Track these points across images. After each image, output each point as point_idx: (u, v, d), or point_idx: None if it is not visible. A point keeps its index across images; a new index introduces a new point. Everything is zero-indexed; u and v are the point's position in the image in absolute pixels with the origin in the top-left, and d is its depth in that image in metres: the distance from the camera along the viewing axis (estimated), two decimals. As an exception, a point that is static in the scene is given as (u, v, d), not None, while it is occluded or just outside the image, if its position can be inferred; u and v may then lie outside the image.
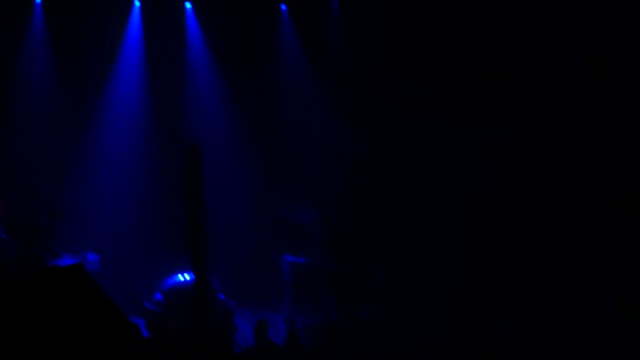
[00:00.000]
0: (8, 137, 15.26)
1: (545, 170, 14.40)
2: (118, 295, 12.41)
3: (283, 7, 16.39)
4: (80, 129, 15.81)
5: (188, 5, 16.25)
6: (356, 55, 15.87)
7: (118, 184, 15.67)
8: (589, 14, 14.70)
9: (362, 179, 15.34)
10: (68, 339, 2.04)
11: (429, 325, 12.68)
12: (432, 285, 13.76)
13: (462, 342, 12.02)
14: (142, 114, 16.06)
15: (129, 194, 15.62)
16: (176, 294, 12.83)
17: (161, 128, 15.87)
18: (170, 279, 13.32)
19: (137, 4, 16.14)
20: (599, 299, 13.20)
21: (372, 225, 14.85)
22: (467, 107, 14.92)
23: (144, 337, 11.66)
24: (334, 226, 14.65)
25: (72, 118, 15.73)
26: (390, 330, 12.88)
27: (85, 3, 15.60)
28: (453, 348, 11.92)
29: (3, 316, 2.09)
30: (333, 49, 16.39)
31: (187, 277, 12.50)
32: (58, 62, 15.73)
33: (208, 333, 11.73)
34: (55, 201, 14.84)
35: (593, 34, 14.76)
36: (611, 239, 13.92)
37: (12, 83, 15.53)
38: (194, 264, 8.06)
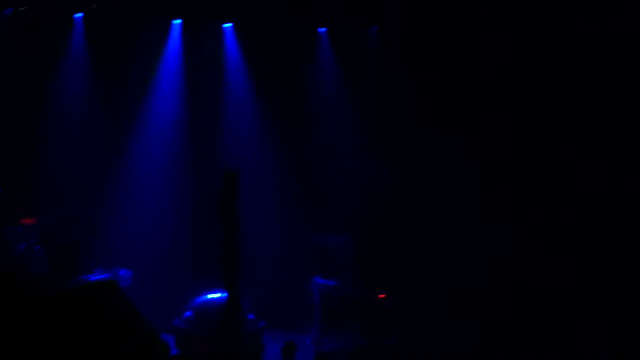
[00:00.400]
0: (44, 152, 15.32)
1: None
2: (149, 311, 12.52)
3: (321, 30, 16.29)
4: (116, 146, 15.78)
5: (227, 25, 16.06)
6: (392, 84, 15.89)
7: (151, 201, 15.67)
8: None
9: (392, 206, 15.55)
10: (98, 355, 2.04)
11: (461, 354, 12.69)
12: (464, 311, 13.84)
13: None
14: (178, 133, 16.05)
15: (162, 211, 15.62)
16: (206, 312, 12.81)
17: (197, 147, 15.90)
18: (200, 297, 13.23)
19: (177, 22, 15.97)
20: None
21: (401, 250, 15.02)
22: (501, 141, 15.00)
23: (174, 355, 11.72)
24: (363, 251, 14.66)
25: (109, 134, 15.73)
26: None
27: (125, 20, 15.53)
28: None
29: (36, 331, 2.09)
30: (370, 76, 16.37)
31: (218, 295, 12.50)
32: (96, 78, 15.71)
33: (236, 352, 11.77)
34: (88, 216, 14.86)
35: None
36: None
37: (50, 98, 15.52)
38: (227, 284, 8.08)
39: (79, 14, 15.71)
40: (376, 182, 15.61)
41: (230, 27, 16.24)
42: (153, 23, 15.95)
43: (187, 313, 13.37)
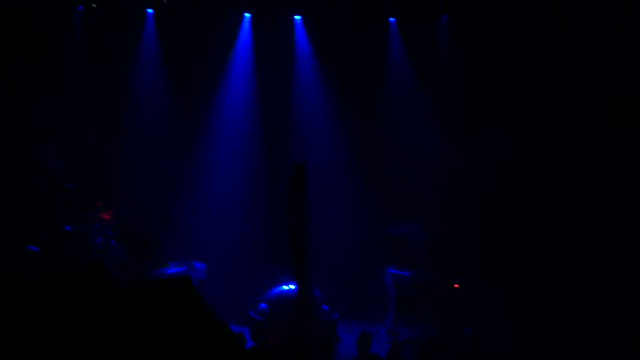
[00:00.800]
0: (120, 147, 15.57)
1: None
2: (224, 303, 12.64)
3: (392, 20, 16.20)
4: (190, 139, 16.05)
5: (298, 17, 16.22)
6: (464, 71, 15.69)
7: (225, 193, 15.92)
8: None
9: (465, 194, 15.41)
10: (171, 348, 2.09)
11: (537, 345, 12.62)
12: (540, 301, 13.65)
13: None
14: (250, 125, 16.25)
15: (236, 203, 15.82)
16: (281, 304, 12.85)
17: (269, 139, 16.04)
18: (275, 289, 13.32)
19: (248, 15, 16.18)
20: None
21: (475, 239, 14.88)
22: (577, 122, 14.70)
23: (249, 347, 11.80)
24: (437, 240, 14.63)
25: (183, 128, 16.02)
26: (495, 350, 12.80)
27: (196, 14, 15.75)
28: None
29: (110, 324, 2.15)
30: (441, 63, 16.21)
31: (292, 287, 12.55)
32: (170, 73, 15.99)
33: (310, 343, 11.82)
34: (164, 209, 14.99)
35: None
36: None
37: (124, 94, 15.81)
38: (297, 275, 8.14)
39: (150, 10, 16.04)
40: (449, 170, 15.63)
41: (300, 19, 16.31)
42: (225, 15, 16.14)
43: (262, 305, 13.44)
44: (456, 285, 14.10)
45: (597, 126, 14.65)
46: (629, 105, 14.54)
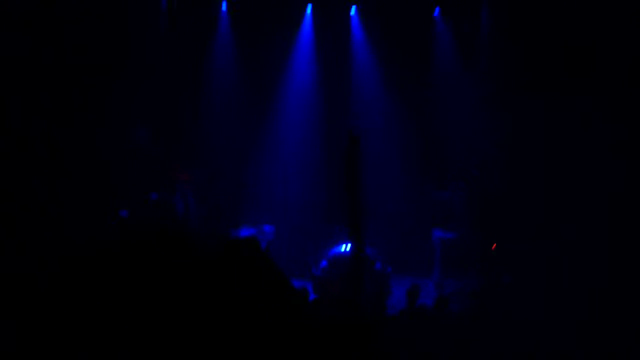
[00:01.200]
0: (200, 126, 15.87)
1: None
2: (290, 261, 13.00)
3: (437, 9, 16.24)
4: (260, 113, 16.21)
5: (353, 10, 16.20)
6: (504, 54, 15.64)
7: (291, 164, 15.94)
8: None
9: (504, 164, 15.27)
10: (240, 301, 2.13)
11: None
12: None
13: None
14: (312, 103, 16.33)
15: (300, 172, 15.88)
16: (339, 262, 13.08)
17: (328, 118, 16.04)
18: (334, 249, 13.52)
19: (309, 11, 16.23)
20: None
21: (512, 204, 14.65)
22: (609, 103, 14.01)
23: (312, 299, 12.10)
24: (478, 204, 14.68)
25: (254, 104, 16.15)
26: (530, 297, 12.75)
27: (265, 8, 15.86)
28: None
29: (188, 281, 2.18)
30: (483, 46, 16.20)
31: (348, 247, 12.77)
32: (242, 57, 16.13)
33: (364, 295, 12.01)
34: (238, 174, 15.33)
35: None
36: None
37: (205, 77, 16.13)
38: (352, 236, 8.41)
39: (224, 3, 16.20)
40: (490, 142, 15.50)
41: (355, 7, 16.28)
42: (290, 9, 16.23)
43: (323, 263, 13.64)
44: (494, 245, 14.08)
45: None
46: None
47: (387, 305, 12.72)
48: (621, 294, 11.79)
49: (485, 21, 16.26)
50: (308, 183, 15.73)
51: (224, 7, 16.18)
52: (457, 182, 15.09)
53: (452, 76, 16.42)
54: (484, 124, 15.77)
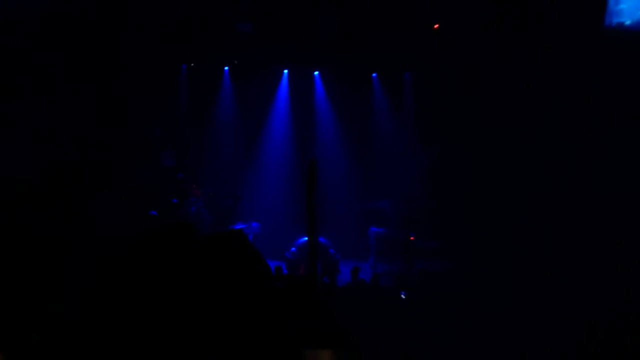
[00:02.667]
0: (209, 152, 15.89)
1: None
2: (271, 248, 12.93)
3: (374, 75, 16.28)
4: (251, 148, 16.26)
5: (316, 73, 16.22)
6: (422, 109, 15.74)
7: (273, 180, 15.94)
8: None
9: (427, 181, 15.25)
10: (229, 279, 2.00)
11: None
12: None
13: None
14: (287, 140, 16.25)
15: (279, 186, 15.84)
16: (304, 248, 13.38)
17: (298, 148, 16.03)
18: (301, 239, 13.78)
19: (285, 73, 16.24)
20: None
21: (431, 211, 14.76)
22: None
23: (285, 274, 12.14)
24: (403, 211, 14.75)
25: (246, 141, 16.20)
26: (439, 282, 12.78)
27: (255, 72, 15.88)
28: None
29: (193, 263, 2.04)
30: (407, 99, 16.23)
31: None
32: (238, 108, 16.06)
33: (321, 272, 12.05)
34: (236, 190, 15.37)
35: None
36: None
37: (212, 118, 16.12)
38: (308, 232, 8.41)
39: (226, 67, 16.18)
40: (415, 168, 15.54)
41: (318, 73, 16.31)
42: (271, 71, 16.19)
43: (293, 249, 13.93)
44: (412, 238, 14.18)
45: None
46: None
47: (337, 279, 12.75)
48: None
49: (408, 82, 16.27)
50: (284, 194, 15.50)
51: (226, 70, 16.16)
52: (391, 196, 15.05)
53: (386, 119, 16.40)
54: (411, 154, 15.86)
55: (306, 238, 13.05)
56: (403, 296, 11.01)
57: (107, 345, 2.04)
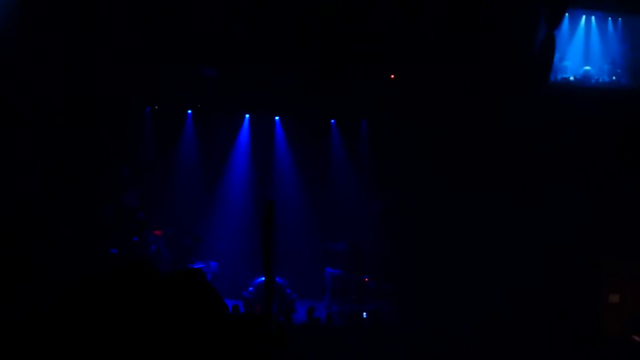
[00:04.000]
0: (171, 194, 15.78)
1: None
2: (229, 288, 12.86)
3: (332, 121, 16.49)
4: (211, 192, 16.21)
5: (277, 119, 16.37)
6: (381, 156, 16.08)
7: (231, 221, 16.00)
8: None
9: (379, 227, 15.60)
10: (185, 314, 1.97)
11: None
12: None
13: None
14: (246, 183, 16.42)
15: (236, 226, 15.83)
16: (261, 288, 13.32)
17: (257, 190, 16.18)
18: (257, 279, 13.76)
19: (247, 118, 16.29)
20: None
21: (384, 255, 15.05)
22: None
23: (242, 312, 12.13)
24: (357, 254, 14.49)
25: (207, 182, 16.17)
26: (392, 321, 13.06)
27: (218, 116, 16.07)
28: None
29: (148, 299, 2.02)
30: (363, 146, 16.52)
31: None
32: (200, 151, 16.17)
33: (278, 310, 12.01)
34: (196, 230, 15.35)
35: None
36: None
37: (175, 160, 16.12)
38: (265, 272, 8.46)
39: (189, 111, 16.20)
40: (370, 213, 15.80)
41: (278, 119, 16.47)
42: (234, 116, 16.28)
43: (250, 288, 13.95)
44: (366, 280, 14.27)
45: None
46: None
47: (292, 318, 12.69)
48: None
49: (364, 129, 16.56)
50: (242, 234, 15.47)
51: (189, 113, 16.23)
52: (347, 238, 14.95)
53: (344, 164, 16.58)
54: (366, 200, 16.10)
55: (263, 278, 13.15)
56: (465, 329, 11.20)
57: None
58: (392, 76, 14.70)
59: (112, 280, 2.21)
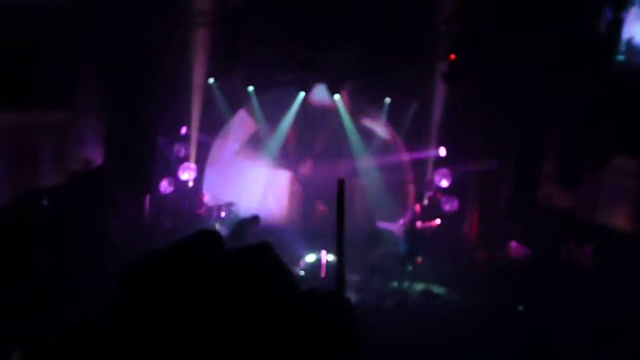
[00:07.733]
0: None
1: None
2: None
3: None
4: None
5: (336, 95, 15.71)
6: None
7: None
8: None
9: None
10: (258, 283, 1.93)
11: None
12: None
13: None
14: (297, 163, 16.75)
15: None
16: (310, 268, 13.07)
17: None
18: (305, 259, 13.34)
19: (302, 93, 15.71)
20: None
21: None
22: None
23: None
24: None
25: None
26: None
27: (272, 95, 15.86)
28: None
29: (219, 268, 1.98)
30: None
31: (314, 257, 13.07)
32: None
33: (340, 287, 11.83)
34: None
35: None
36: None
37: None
38: (337, 251, 8.25)
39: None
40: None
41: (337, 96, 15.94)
42: (289, 93, 15.91)
43: (301, 264, 13.70)
44: (419, 261, 13.52)
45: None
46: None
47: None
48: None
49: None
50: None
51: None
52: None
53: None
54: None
55: (312, 258, 13.20)
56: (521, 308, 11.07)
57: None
58: (453, 56, 14.25)
59: (183, 250, 2.03)
